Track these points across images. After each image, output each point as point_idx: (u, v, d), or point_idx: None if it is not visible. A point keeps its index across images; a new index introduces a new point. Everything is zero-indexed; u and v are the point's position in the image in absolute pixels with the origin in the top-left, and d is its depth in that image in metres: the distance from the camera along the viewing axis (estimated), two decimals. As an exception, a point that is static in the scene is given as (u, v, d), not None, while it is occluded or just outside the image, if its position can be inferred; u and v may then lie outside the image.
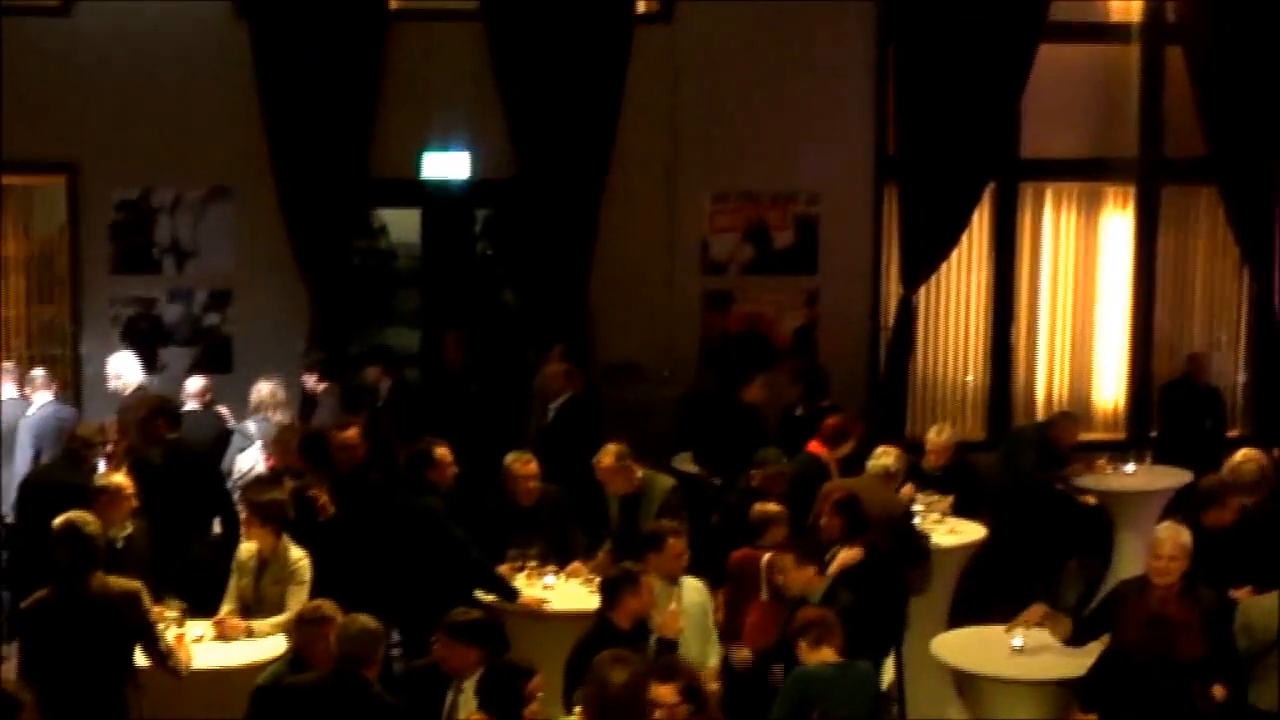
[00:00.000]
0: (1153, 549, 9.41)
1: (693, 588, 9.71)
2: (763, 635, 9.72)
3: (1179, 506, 12.21)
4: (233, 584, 9.92)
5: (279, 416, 12.87)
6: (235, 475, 12.43)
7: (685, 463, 13.56)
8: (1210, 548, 9.81)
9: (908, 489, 12.12)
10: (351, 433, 11.28)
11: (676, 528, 9.90)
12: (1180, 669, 8.81)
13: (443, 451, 10.84)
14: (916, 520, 11.64)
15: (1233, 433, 15.25)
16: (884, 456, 11.69)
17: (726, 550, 10.36)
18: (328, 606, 8.65)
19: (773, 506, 10.49)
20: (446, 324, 14.65)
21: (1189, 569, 9.33)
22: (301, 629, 8.59)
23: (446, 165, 14.61)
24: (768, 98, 14.79)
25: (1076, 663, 9.36)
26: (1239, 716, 9.15)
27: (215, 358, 14.45)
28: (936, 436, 12.93)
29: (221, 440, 12.76)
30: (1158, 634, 8.99)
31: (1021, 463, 13.70)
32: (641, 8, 14.72)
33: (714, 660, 9.68)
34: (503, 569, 10.59)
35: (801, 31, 14.78)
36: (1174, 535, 9.41)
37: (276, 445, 12.23)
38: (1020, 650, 9.82)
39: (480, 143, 14.54)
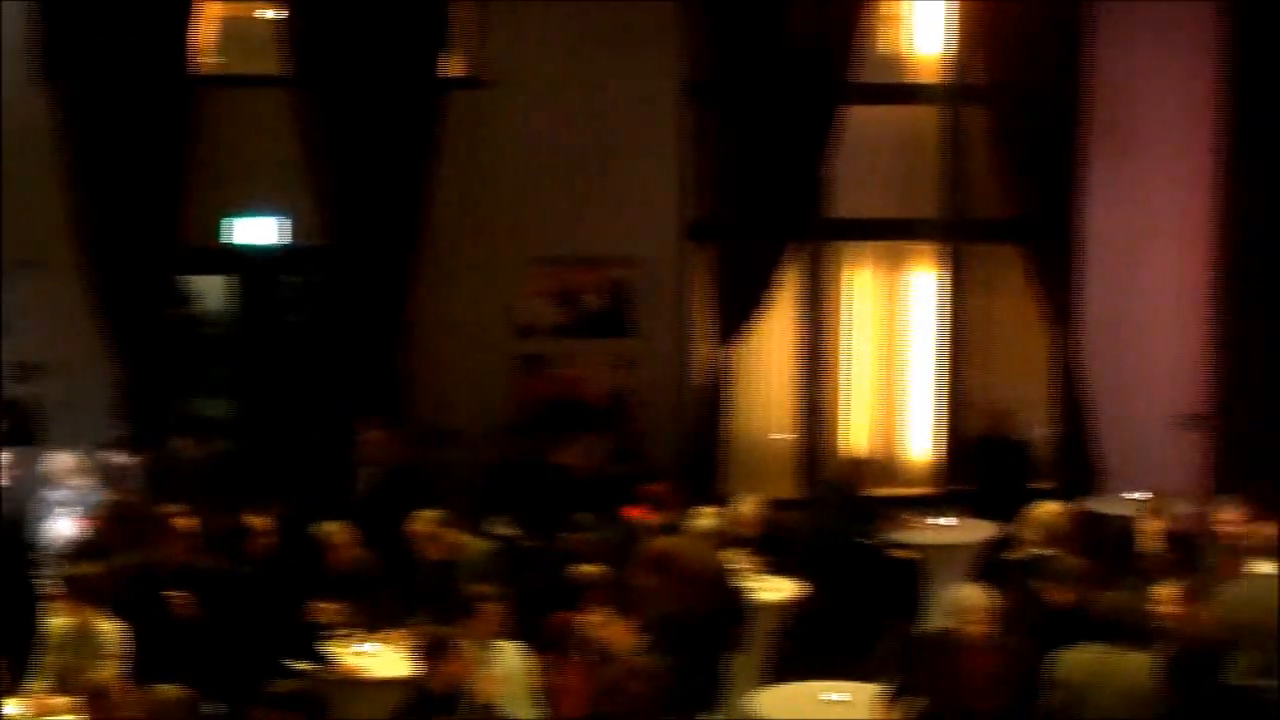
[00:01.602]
0: (961, 614, 9.57)
1: (511, 652, 9.72)
2: (575, 698, 9.73)
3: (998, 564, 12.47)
4: (43, 659, 9.76)
5: (82, 484, 12.74)
6: (50, 545, 12.28)
7: (502, 526, 13.54)
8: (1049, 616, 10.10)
9: (730, 551, 12.23)
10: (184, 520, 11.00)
11: (492, 592, 9.91)
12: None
13: (260, 522, 10.77)
14: (735, 579, 11.72)
15: (1040, 486, 15.48)
16: (702, 517, 11.78)
17: (545, 614, 10.37)
18: (105, 677, 8.57)
19: (592, 569, 10.52)
20: (260, 392, 14.55)
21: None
22: (90, 705, 8.47)
23: (257, 232, 14.54)
24: (580, 163, 14.88)
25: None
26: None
27: (23, 430, 14.21)
28: (746, 508, 13.01)
29: (23, 514, 12.56)
30: (966, 687, 9.15)
31: (827, 517, 13.87)
32: (454, 73, 14.75)
33: (534, 724, 9.69)
34: (320, 636, 10.52)
35: (612, 98, 14.89)
36: (982, 600, 9.59)
37: (95, 518, 12.09)
38: (835, 704, 9.92)
39: (292, 209, 14.49)
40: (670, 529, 11.96)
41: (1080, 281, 15.61)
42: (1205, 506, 13.15)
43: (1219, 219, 15.78)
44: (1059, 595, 10.39)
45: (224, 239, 14.53)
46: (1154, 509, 12.63)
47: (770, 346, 15.63)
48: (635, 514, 12.15)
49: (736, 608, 11.30)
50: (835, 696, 10.08)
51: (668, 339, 15.27)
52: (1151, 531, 12.43)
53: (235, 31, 14.79)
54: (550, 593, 10.74)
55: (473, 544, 11.35)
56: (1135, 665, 9.38)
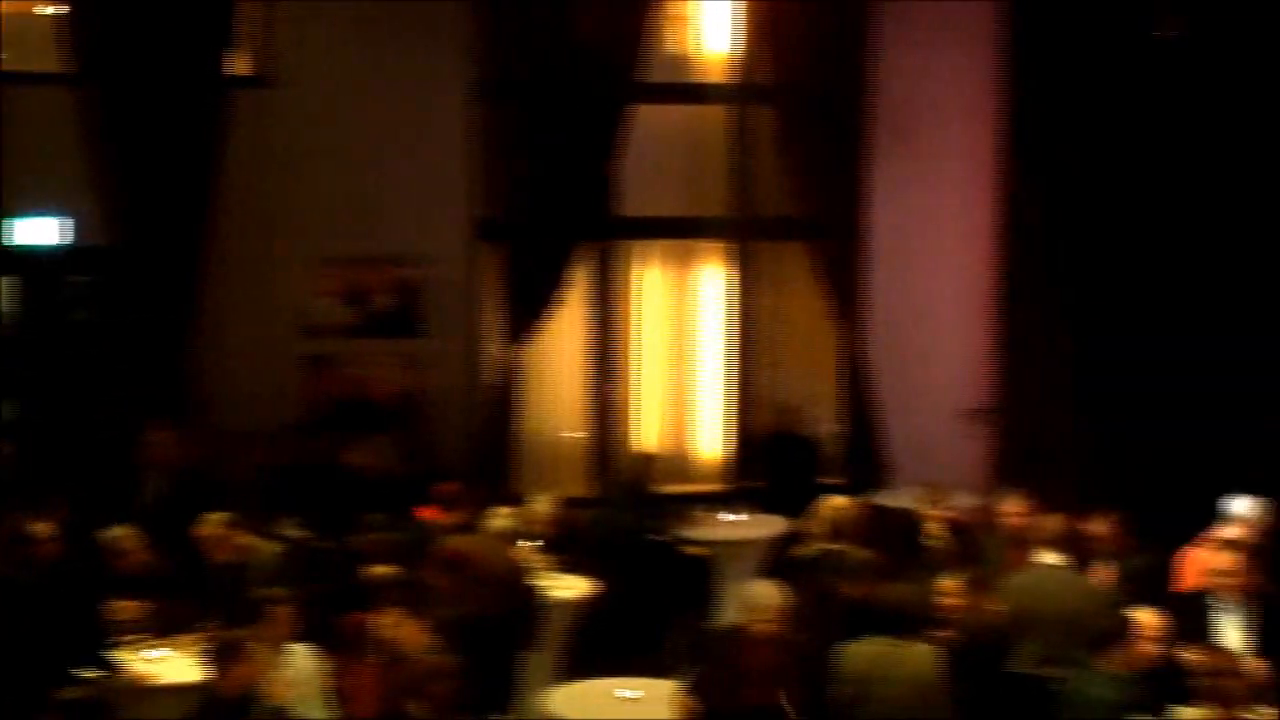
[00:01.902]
0: (751, 611, 9.70)
1: (302, 654, 9.65)
2: (368, 699, 9.69)
3: (787, 559, 12.63)
4: None
5: None
6: None
7: (292, 529, 13.42)
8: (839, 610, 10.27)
9: (523, 550, 12.24)
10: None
11: (282, 595, 9.84)
12: (771, 715, 9.13)
13: (44, 527, 10.59)
14: (528, 578, 11.74)
15: (828, 481, 15.67)
16: (497, 517, 11.80)
17: (337, 616, 10.31)
18: None
19: (384, 570, 10.49)
20: (43, 394, 14.30)
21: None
22: None
23: (39, 232, 14.29)
24: (368, 162, 14.79)
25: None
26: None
27: None
28: (541, 508, 13.04)
29: None
30: (755, 682, 9.28)
31: (618, 513, 13.94)
32: (241, 71, 14.60)
33: (328, 726, 9.64)
34: (109, 642, 10.37)
35: (401, 96, 14.82)
36: (772, 596, 9.73)
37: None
38: (628, 701, 9.98)
39: (75, 209, 14.26)
40: (462, 529, 11.94)
41: (866, 279, 15.82)
42: (989, 499, 13.41)
43: (1001, 217, 16.08)
44: (847, 589, 10.55)
45: (5, 239, 14.25)
46: (933, 501, 12.86)
47: (560, 345, 15.67)
48: (427, 514, 12.12)
49: (530, 606, 11.33)
50: (629, 693, 10.13)
51: (458, 338, 15.24)
52: (933, 523, 12.67)
53: (15, 28, 14.49)
54: (342, 594, 10.68)
55: (262, 546, 11.25)
56: (920, 656, 9.54)
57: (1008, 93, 15.93)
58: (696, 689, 9.65)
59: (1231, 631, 10.33)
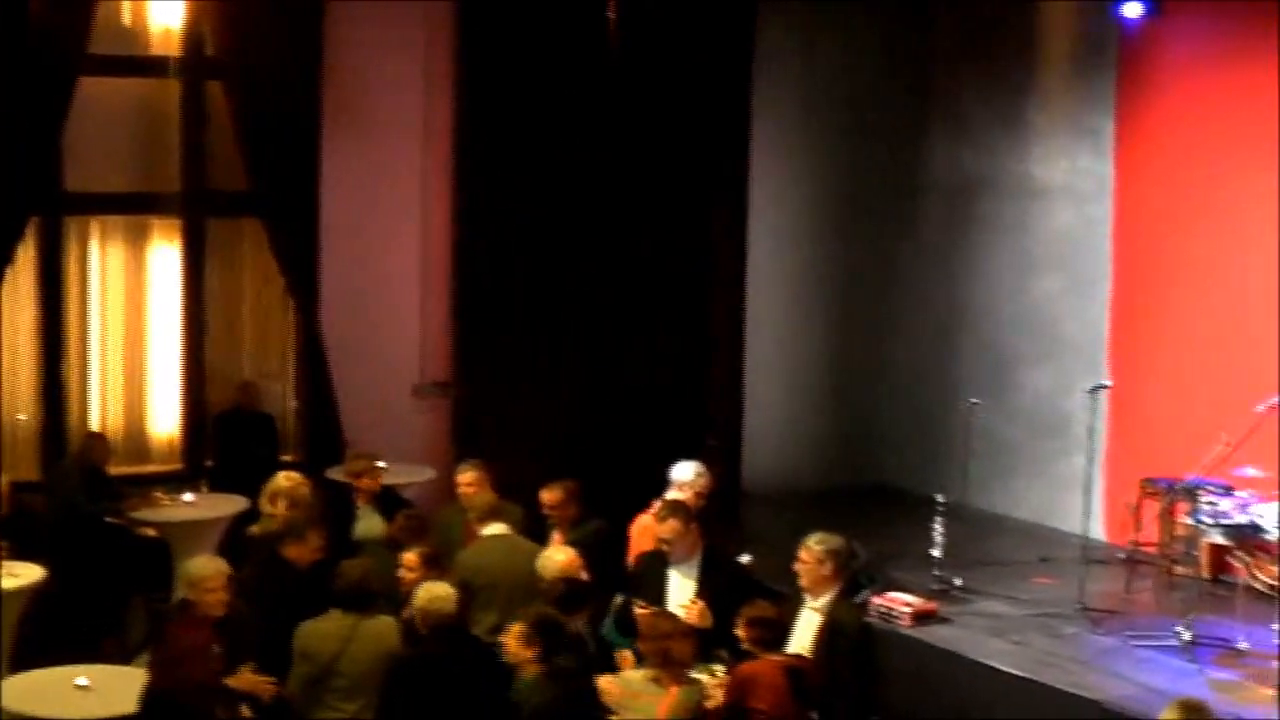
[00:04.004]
0: (191, 586, 9.75)
1: None
2: None
3: (241, 536, 12.60)
4: None
5: None
6: None
7: None
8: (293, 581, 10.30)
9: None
10: None
11: None
12: (207, 694, 9.22)
13: None
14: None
15: (286, 458, 15.66)
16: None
17: None
18: None
19: None
20: None
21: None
22: None
23: None
24: None
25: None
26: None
27: None
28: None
29: None
30: (190, 659, 9.32)
31: (70, 496, 13.69)
32: None
33: None
34: None
35: None
36: (210, 569, 9.86)
37: None
38: (86, 689, 9.85)
39: None
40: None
41: (321, 256, 15.80)
42: (446, 472, 13.64)
43: (457, 198, 16.29)
44: (302, 564, 10.64)
45: None
46: (359, 470, 13.03)
47: (8, 324, 15.20)
48: None
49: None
50: (84, 681, 9.97)
51: (-103, 318, 14.66)
52: (362, 494, 12.86)
53: None
54: None
55: None
56: (381, 631, 9.69)
57: (462, 73, 16.15)
58: (148, 670, 9.62)
59: (680, 591, 10.79)
